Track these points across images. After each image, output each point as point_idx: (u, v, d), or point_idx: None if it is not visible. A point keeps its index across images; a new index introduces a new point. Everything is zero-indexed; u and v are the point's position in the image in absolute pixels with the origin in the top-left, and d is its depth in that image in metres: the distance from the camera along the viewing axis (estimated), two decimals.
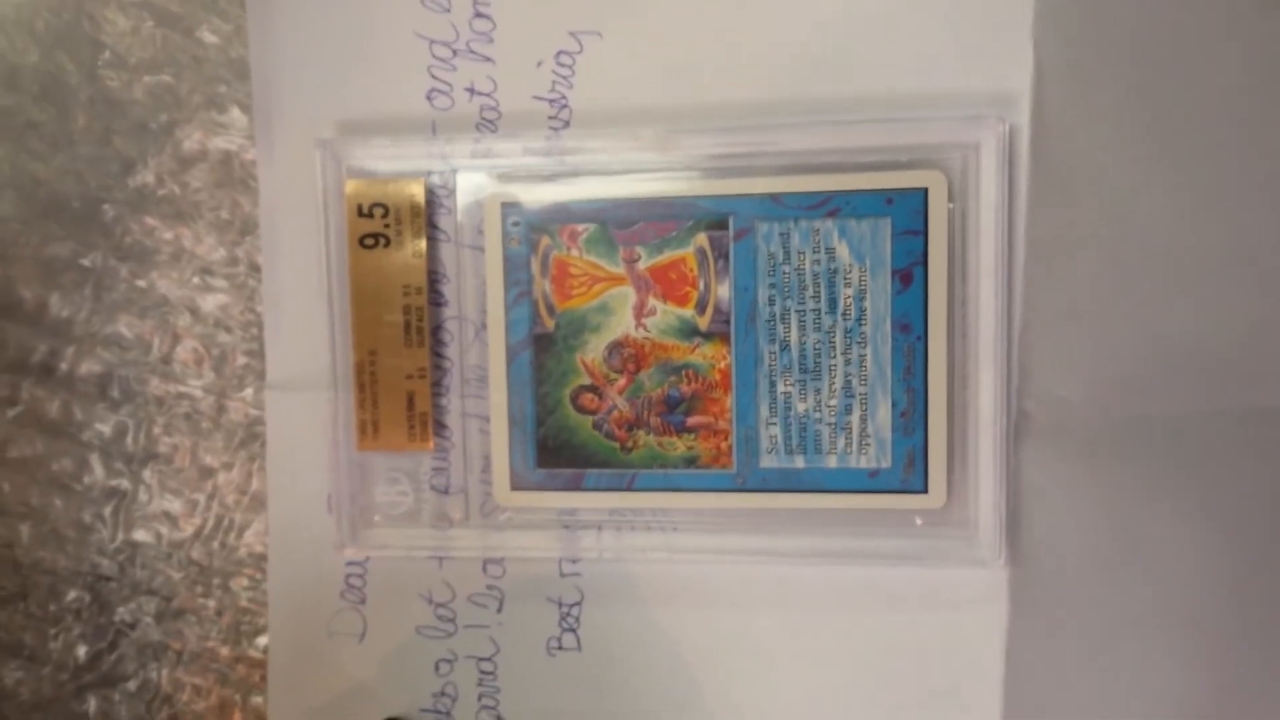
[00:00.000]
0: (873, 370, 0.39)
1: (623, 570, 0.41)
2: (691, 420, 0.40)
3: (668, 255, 0.39)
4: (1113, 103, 0.37)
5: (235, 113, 0.42)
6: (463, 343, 0.41)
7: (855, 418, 0.39)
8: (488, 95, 0.40)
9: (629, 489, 0.40)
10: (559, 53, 0.40)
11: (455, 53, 0.40)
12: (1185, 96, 0.37)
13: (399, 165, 0.40)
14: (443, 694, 0.43)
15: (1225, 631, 0.39)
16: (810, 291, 0.39)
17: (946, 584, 0.39)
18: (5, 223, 0.44)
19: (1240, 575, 0.38)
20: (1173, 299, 0.38)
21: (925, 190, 0.38)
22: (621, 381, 0.40)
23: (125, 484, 0.45)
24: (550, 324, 0.40)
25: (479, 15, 0.40)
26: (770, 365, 0.39)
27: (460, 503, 0.42)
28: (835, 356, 0.39)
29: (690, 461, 0.40)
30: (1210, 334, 0.38)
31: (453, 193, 0.41)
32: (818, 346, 0.39)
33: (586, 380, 0.40)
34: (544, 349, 0.40)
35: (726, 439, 0.40)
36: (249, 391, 0.43)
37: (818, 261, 0.39)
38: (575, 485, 0.41)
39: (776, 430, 0.39)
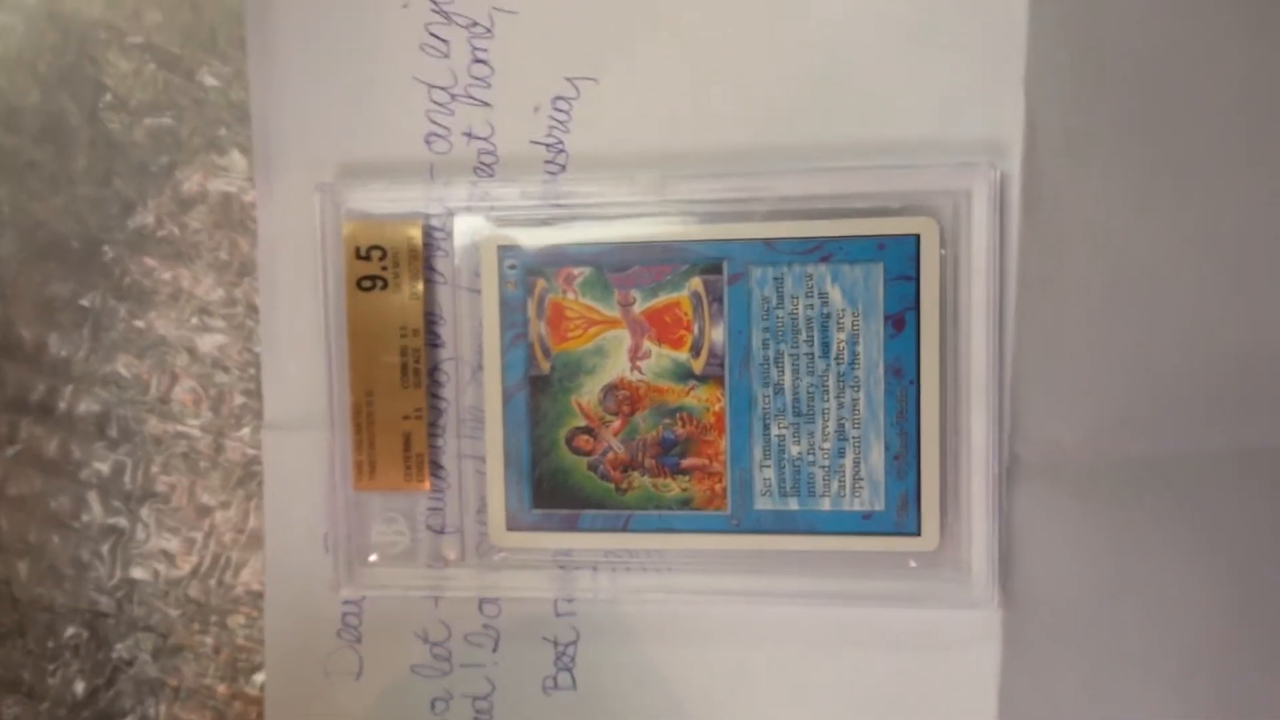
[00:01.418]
0: (866, 414, 0.39)
1: (618, 610, 0.41)
2: (686, 462, 0.40)
3: (662, 299, 0.39)
4: (1104, 151, 0.38)
5: (235, 155, 0.42)
6: (459, 384, 0.41)
7: (849, 461, 0.39)
8: (485, 140, 0.41)
9: (624, 530, 0.40)
10: (556, 98, 0.40)
11: (453, 98, 0.41)
12: (1176, 144, 0.37)
13: (397, 208, 0.40)
14: None
15: (1220, 671, 0.39)
16: (804, 335, 0.39)
17: (940, 625, 0.39)
18: (5, 262, 0.44)
19: (1236, 615, 0.38)
20: (1163, 342, 0.38)
21: (917, 236, 0.38)
22: (616, 423, 0.40)
23: (123, 522, 0.44)
24: (546, 366, 0.40)
25: (477, 61, 0.40)
26: (764, 408, 0.39)
27: (456, 542, 0.42)
28: (829, 400, 0.39)
29: (685, 503, 0.40)
30: (1202, 376, 0.38)
31: (450, 235, 0.41)
32: (811, 390, 0.39)
33: (582, 422, 0.40)
34: (540, 391, 0.40)
35: (721, 481, 0.40)
36: (246, 431, 0.43)
37: (811, 306, 0.39)
38: (570, 526, 0.41)
39: (771, 473, 0.39)
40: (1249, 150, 0.37)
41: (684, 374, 0.40)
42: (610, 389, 0.40)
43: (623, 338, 0.40)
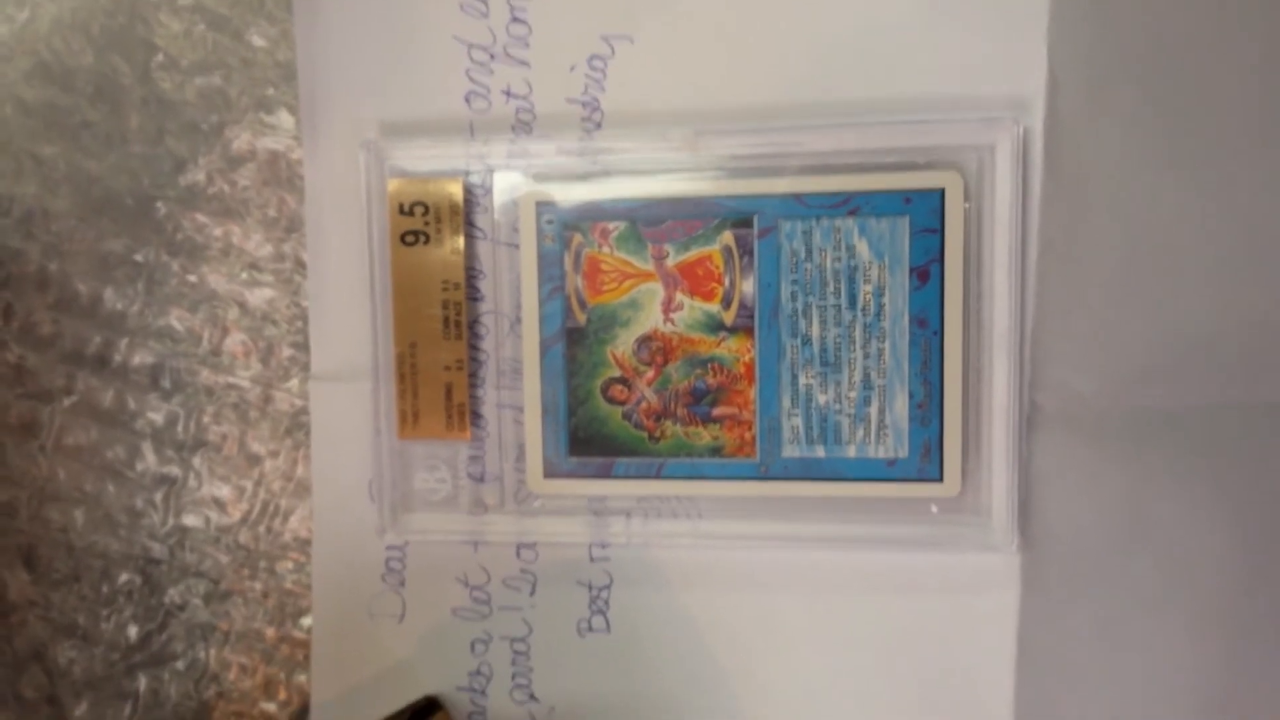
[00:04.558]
0: (891, 363, 0.42)
1: (650, 555, 0.45)
2: (717, 411, 0.44)
3: (695, 252, 0.43)
4: (1124, 106, 0.41)
5: (283, 114, 0.46)
6: (498, 336, 0.45)
7: (874, 409, 0.42)
8: (523, 98, 0.44)
9: (657, 477, 0.44)
10: (592, 57, 0.44)
11: (492, 57, 0.44)
12: (1194, 99, 0.40)
13: (438, 165, 0.44)
14: (478, 673, 0.47)
15: (1233, 615, 0.42)
16: (831, 288, 0.42)
17: (961, 568, 0.43)
18: (61, 219, 0.48)
19: (1247, 560, 0.42)
20: (1181, 294, 0.41)
21: (942, 190, 0.41)
22: (650, 374, 0.44)
23: (176, 471, 0.49)
24: (582, 318, 0.44)
25: (515, 21, 0.44)
26: (792, 358, 0.43)
27: (495, 490, 0.46)
28: (855, 350, 0.42)
29: (716, 451, 0.44)
30: (1217, 328, 0.41)
31: (490, 192, 0.44)
32: (838, 341, 0.42)
33: (616, 372, 0.44)
34: (576, 342, 0.44)
35: (750, 429, 0.43)
36: (294, 382, 0.48)
37: (838, 259, 0.42)
38: (605, 473, 0.44)
39: (798, 421, 0.43)
40: (1268, 108, 0.40)
41: (715, 325, 0.43)
42: (644, 340, 0.44)
43: (656, 290, 0.44)
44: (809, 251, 0.42)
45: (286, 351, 0.47)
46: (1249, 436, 0.41)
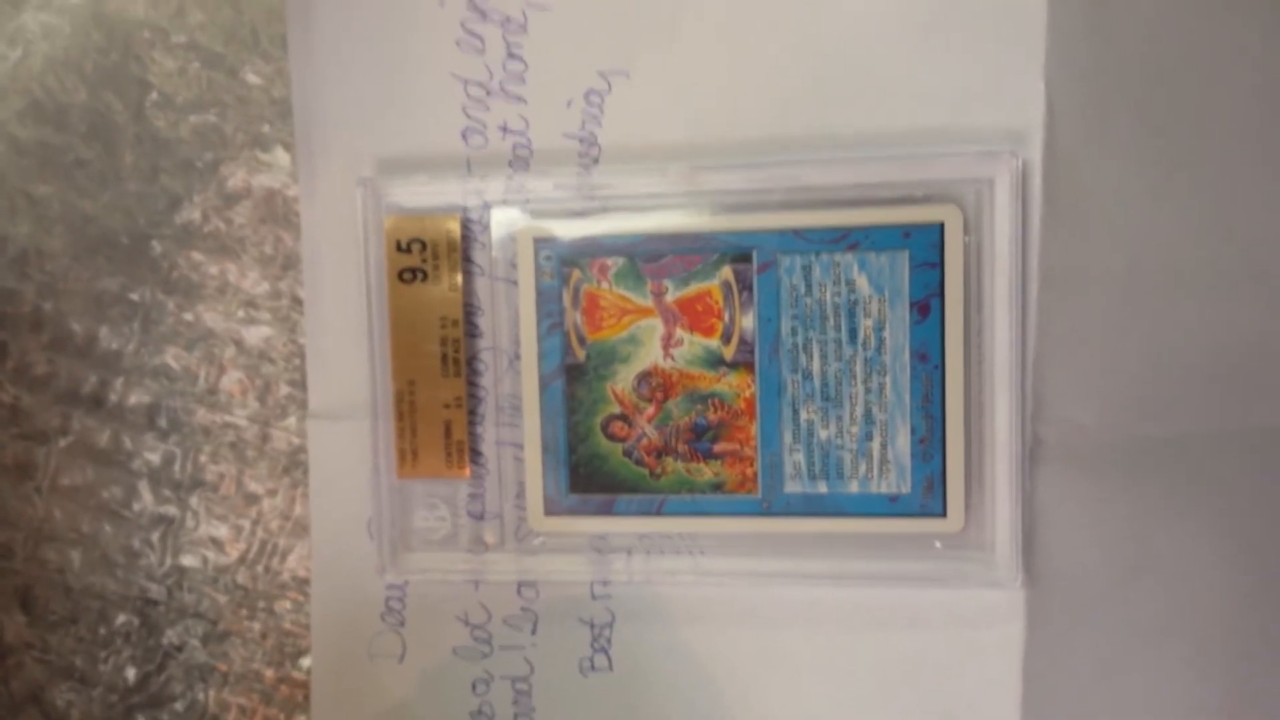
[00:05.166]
0: (892, 398, 0.42)
1: (652, 592, 0.45)
2: (718, 447, 0.44)
3: (694, 288, 0.43)
4: (1122, 139, 0.41)
5: (278, 151, 0.47)
6: (497, 373, 0.45)
7: (876, 444, 0.43)
8: (520, 134, 0.45)
9: (658, 514, 0.44)
10: (588, 92, 0.44)
11: (489, 93, 0.45)
12: (1192, 128, 0.41)
13: (436, 202, 0.45)
14: (480, 713, 0.47)
15: (1240, 649, 0.42)
16: (831, 322, 0.42)
17: (965, 604, 0.43)
18: (56, 258, 0.48)
19: (1254, 592, 0.42)
20: (1181, 325, 0.41)
21: (942, 224, 0.41)
22: (650, 410, 0.44)
23: (173, 510, 0.49)
24: (581, 354, 0.44)
25: (511, 57, 0.44)
26: (793, 394, 0.43)
27: (495, 528, 0.46)
28: (856, 385, 0.43)
29: (717, 487, 0.44)
30: (1218, 358, 0.41)
31: (487, 228, 0.45)
32: (839, 375, 0.43)
33: (616, 409, 0.44)
34: (575, 379, 0.44)
35: (752, 465, 0.44)
36: (292, 421, 0.48)
37: (838, 293, 0.42)
38: (606, 510, 0.45)
39: (800, 456, 0.43)
40: (1266, 138, 0.41)
41: (715, 361, 0.44)
42: (644, 376, 0.44)
43: (656, 326, 0.44)
44: (809, 286, 0.42)
45: (284, 390, 0.48)
46: (1251, 462, 0.41)
